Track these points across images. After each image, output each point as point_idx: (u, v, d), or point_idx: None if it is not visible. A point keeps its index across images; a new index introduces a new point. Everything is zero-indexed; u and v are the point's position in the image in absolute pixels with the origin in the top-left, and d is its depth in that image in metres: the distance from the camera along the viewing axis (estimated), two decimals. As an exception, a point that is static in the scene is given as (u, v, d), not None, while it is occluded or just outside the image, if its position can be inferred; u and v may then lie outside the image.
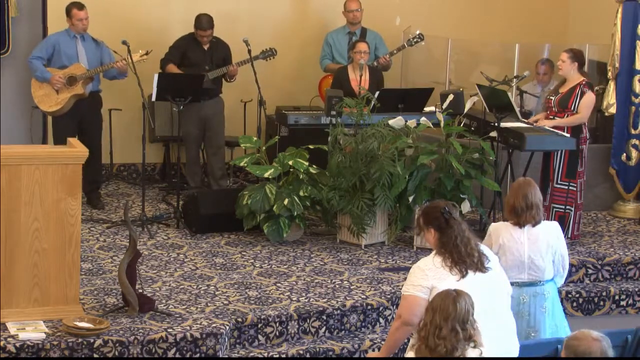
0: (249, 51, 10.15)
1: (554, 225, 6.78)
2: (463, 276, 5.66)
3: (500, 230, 6.67)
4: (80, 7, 9.75)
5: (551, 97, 9.35)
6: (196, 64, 10.27)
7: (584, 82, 9.19)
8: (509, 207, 6.67)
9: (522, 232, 6.61)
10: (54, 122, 9.83)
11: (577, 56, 9.21)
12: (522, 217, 6.59)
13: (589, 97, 9.19)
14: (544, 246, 6.65)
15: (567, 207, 9.25)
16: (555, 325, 6.74)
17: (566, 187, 9.24)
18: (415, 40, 10.83)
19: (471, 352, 5.10)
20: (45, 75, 9.63)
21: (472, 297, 5.60)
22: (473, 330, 5.10)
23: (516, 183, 6.77)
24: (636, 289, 8.88)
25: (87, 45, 9.82)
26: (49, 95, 9.66)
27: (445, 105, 9.18)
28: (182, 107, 9.68)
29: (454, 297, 5.10)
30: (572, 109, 9.17)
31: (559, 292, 8.68)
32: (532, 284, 6.68)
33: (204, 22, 10.26)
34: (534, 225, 6.63)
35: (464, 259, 5.69)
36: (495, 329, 5.58)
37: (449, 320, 5.05)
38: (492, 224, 6.88)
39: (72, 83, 9.63)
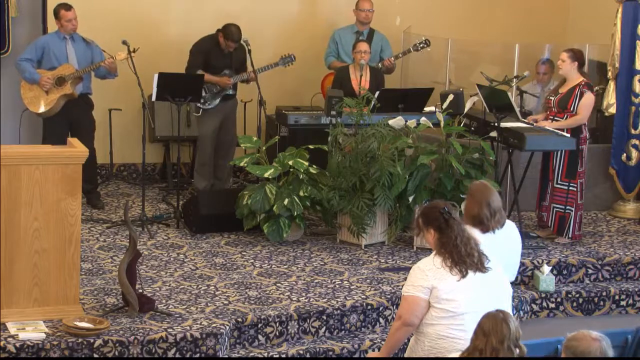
0: (249, 51, 10.13)
1: (513, 225, 6.56)
2: (463, 276, 5.67)
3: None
4: (68, 7, 9.66)
5: (551, 97, 9.35)
6: (217, 68, 10.16)
7: (583, 83, 9.18)
8: (472, 216, 6.32)
9: (493, 236, 6.31)
10: (44, 123, 9.80)
11: (577, 56, 9.20)
12: (489, 225, 6.30)
13: (588, 98, 9.18)
14: (512, 247, 6.48)
15: (567, 207, 9.24)
16: None
17: (566, 187, 9.24)
18: (421, 45, 10.77)
19: None
20: (34, 76, 9.59)
21: (472, 297, 5.62)
22: (524, 348, 5.13)
23: (475, 190, 6.42)
24: (636, 289, 8.88)
25: (77, 46, 9.76)
26: (38, 97, 9.62)
27: (445, 105, 9.18)
28: (207, 108, 9.78)
29: (504, 318, 5.09)
30: (571, 109, 9.17)
31: (560, 292, 8.73)
32: None
33: (235, 34, 10.01)
34: (500, 228, 6.38)
35: (464, 259, 5.69)
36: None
37: (505, 341, 5.04)
38: None
39: (60, 83, 9.59)
